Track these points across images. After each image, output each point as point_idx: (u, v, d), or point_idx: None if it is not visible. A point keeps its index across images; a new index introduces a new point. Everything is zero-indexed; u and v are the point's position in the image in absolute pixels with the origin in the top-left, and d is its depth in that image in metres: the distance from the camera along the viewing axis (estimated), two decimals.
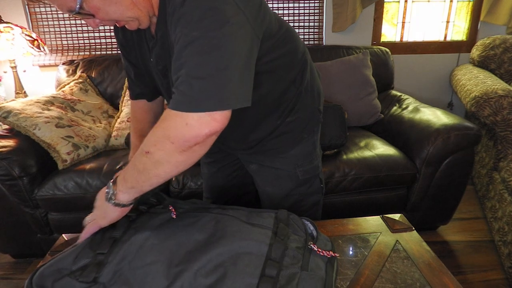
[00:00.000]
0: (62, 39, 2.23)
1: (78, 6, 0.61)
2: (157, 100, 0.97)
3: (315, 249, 0.68)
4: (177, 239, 0.67)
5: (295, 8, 2.29)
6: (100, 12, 0.64)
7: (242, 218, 0.73)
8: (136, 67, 0.89)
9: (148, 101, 0.96)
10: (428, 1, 2.41)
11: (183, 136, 0.58)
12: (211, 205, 0.80)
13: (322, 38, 2.35)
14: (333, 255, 0.69)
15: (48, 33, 2.21)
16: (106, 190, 0.69)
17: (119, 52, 2.22)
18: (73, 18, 2.17)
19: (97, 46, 2.26)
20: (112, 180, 0.70)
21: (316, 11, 2.31)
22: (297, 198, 0.96)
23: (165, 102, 0.97)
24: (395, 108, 1.95)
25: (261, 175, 0.98)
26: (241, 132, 0.87)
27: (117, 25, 0.70)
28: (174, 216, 0.74)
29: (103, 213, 0.71)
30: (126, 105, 1.92)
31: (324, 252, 0.69)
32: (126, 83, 2.00)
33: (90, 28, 2.21)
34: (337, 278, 0.71)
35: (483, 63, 2.26)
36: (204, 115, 0.57)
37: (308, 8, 2.29)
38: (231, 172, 1.09)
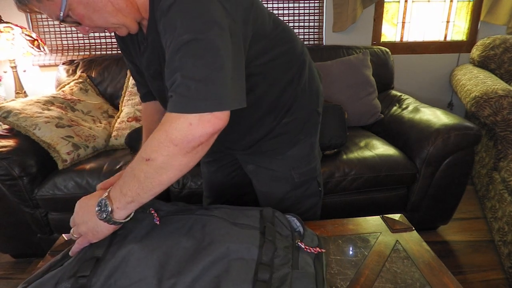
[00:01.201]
0: (62, 39, 2.23)
1: (62, 14, 0.62)
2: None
3: (303, 246, 0.69)
4: (165, 249, 0.64)
5: (295, 8, 2.28)
6: (85, 19, 0.64)
7: (227, 218, 0.71)
8: (137, 66, 0.89)
9: (154, 100, 0.95)
10: (428, 1, 2.41)
11: (187, 137, 0.57)
12: (193, 206, 0.78)
13: (322, 38, 2.35)
14: (319, 251, 0.69)
15: (48, 33, 2.20)
16: (98, 208, 0.63)
17: (119, 52, 2.24)
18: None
19: (97, 46, 2.26)
20: (106, 196, 0.63)
21: (316, 11, 2.31)
22: (293, 201, 0.96)
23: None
24: (395, 108, 1.95)
25: (257, 176, 0.97)
26: (237, 133, 0.87)
27: (108, 31, 0.70)
28: (157, 222, 0.71)
29: (93, 231, 0.65)
30: (126, 105, 1.92)
31: (311, 249, 0.69)
32: (126, 83, 2.00)
33: None
34: (327, 272, 0.72)
35: (483, 63, 2.26)
36: (206, 114, 0.57)
37: (308, 8, 2.29)
38: (231, 171, 1.09)
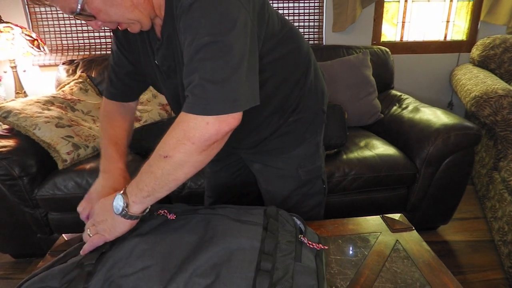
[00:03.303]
0: (62, 39, 2.23)
1: (79, 7, 0.61)
2: (131, 104, 0.95)
3: (305, 241, 0.70)
4: (168, 242, 0.66)
5: (295, 8, 2.29)
6: (101, 13, 0.64)
7: (231, 216, 0.73)
8: (134, 66, 0.88)
9: (124, 101, 0.93)
10: (428, 1, 2.41)
11: (204, 136, 0.60)
12: (200, 207, 0.79)
13: (322, 38, 2.35)
14: (322, 247, 0.70)
15: (48, 33, 2.20)
16: (115, 203, 0.66)
17: None
18: (74, 18, 2.17)
19: (97, 46, 2.26)
20: (121, 192, 0.67)
21: (316, 11, 2.31)
22: (299, 199, 0.96)
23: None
24: (395, 108, 1.95)
25: (264, 174, 0.98)
26: (243, 132, 0.87)
27: (119, 27, 0.70)
28: (173, 217, 0.74)
29: (111, 227, 0.67)
30: None
31: (314, 244, 0.70)
32: None
33: (90, 28, 2.21)
34: (327, 272, 0.72)
35: (483, 63, 2.26)
36: (222, 115, 0.60)
37: (308, 8, 2.29)
38: (234, 171, 1.09)
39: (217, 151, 0.64)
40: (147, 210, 0.70)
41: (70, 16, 0.64)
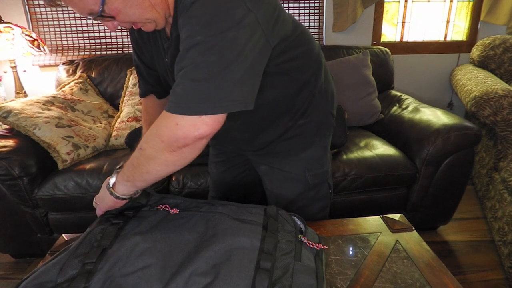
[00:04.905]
0: (62, 39, 2.23)
1: (100, 9, 0.61)
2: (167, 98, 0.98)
3: (305, 241, 0.70)
4: (168, 241, 0.66)
5: (295, 8, 2.29)
6: (121, 14, 0.64)
7: (231, 215, 0.73)
8: (147, 66, 0.90)
9: (158, 98, 0.97)
10: (428, 1, 2.41)
11: (172, 136, 0.60)
12: (200, 201, 0.79)
13: (322, 38, 2.35)
14: (322, 247, 0.70)
15: (48, 33, 2.20)
16: (110, 177, 0.73)
17: (119, 52, 2.24)
18: (73, 18, 2.17)
19: (97, 46, 2.26)
20: (119, 168, 0.72)
21: (316, 11, 2.31)
22: (304, 203, 0.95)
23: None
24: (395, 108, 1.95)
25: (270, 177, 0.97)
26: (252, 133, 0.87)
27: (134, 27, 0.70)
28: (176, 212, 0.75)
29: (101, 198, 0.74)
30: (126, 105, 1.92)
31: (313, 244, 0.70)
32: (126, 83, 2.00)
33: (90, 28, 2.21)
34: (327, 272, 0.72)
35: (483, 63, 2.26)
36: (194, 117, 0.58)
37: (308, 8, 2.29)
38: (240, 172, 1.08)
39: (190, 157, 0.63)
40: (136, 195, 0.74)
41: (87, 17, 0.65)
